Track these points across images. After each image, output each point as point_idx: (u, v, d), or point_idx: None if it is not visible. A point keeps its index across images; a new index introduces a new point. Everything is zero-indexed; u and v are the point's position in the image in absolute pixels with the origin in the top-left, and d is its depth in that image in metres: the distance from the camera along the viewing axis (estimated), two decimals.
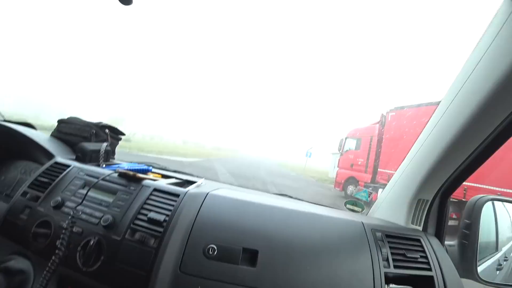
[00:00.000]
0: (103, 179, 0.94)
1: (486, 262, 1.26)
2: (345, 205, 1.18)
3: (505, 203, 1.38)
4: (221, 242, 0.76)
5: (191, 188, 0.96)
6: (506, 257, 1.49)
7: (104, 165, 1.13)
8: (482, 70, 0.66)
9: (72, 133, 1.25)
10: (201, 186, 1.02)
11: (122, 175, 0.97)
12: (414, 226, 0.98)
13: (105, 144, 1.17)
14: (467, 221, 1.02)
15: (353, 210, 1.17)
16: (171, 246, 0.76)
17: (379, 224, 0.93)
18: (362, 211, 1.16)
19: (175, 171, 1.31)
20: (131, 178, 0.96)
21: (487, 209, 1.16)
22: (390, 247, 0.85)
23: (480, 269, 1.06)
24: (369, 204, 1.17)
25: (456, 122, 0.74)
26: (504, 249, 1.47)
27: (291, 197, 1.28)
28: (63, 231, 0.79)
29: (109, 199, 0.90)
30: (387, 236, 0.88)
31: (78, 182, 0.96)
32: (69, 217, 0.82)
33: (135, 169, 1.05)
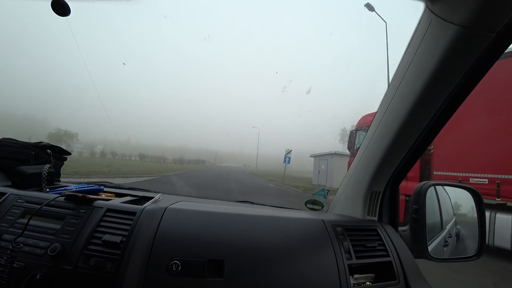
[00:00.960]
0: (48, 205, 0.84)
1: (435, 241, 1.41)
2: (305, 205, 1.23)
3: (445, 186, 1.57)
4: (184, 256, 0.73)
5: (147, 205, 0.90)
6: (450, 234, 1.68)
7: (47, 189, 1.00)
8: (413, 72, 0.75)
9: (5, 156, 1.09)
10: (159, 201, 0.97)
11: (69, 198, 0.87)
12: (370, 217, 1.06)
13: (47, 165, 1.04)
14: (415, 206, 1.13)
15: (313, 209, 1.22)
16: (131, 268, 0.71)
17: (338, 220, 0.99)
18: (322, 208, 1.22)
19: (130, 188, 1.23)
20: (80, 200, 0.87)
21: (430, 193, 1.30)
22: (351, 240, 0.90)
23: (430, 248, 1.18)
24: (328, 201, 1.24)
25: (395, 120, 0.83)
26: (448, 227, 1.67)
27: (253, 203, 1.29)
28: (1, 268, 0.69)
29: (56, 225, 0.81)
30: (347, 229, 0.93)
31: (16, 211, 0.84)
32: (7, 251, 0.71)
33: (84, 190, 0.95)
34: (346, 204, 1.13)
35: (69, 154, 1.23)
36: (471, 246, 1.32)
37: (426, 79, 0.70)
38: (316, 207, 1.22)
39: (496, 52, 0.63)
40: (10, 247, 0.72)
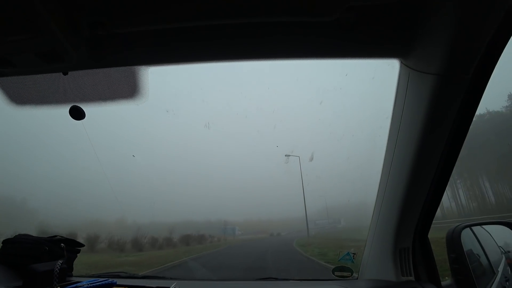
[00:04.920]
0: None
1: None
2: (333, 273, 1.12)
3: (483, 225, 1.42)
4: None
5: None
6: (506, 277, 1.46)
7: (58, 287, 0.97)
8: (407, 123, 0.76)
9: (19, 253, 1.09)
10: None
11: None
12: (406, 278, 0.94)
13: (59, 262, 1.03)
14: (452, 255, 1.01)
15: (342, 277, 1.11)
16: None
17: (371, 287, 0.88)
18: (351, 275, 1.11)
19: (144, 277, 1.18)
20: None
21: (467, 236, 1.17)
22: None
23: None
24: (357, 265, 1.13)
25: (402, 173, 0.80)
26: (500, 269, 1.45)
27: (276, 278, 1.19)
28: None
29: None
30: None
31: None
32: None
33: (95, 286, 0.91)
34: (376, 266, 1.02)
35: (83, 246, 1.23)
36: None
37: (420, 129, 0.71)
38: (345, 274, 1.10)
39: (477, 92, 0.65)
40: None
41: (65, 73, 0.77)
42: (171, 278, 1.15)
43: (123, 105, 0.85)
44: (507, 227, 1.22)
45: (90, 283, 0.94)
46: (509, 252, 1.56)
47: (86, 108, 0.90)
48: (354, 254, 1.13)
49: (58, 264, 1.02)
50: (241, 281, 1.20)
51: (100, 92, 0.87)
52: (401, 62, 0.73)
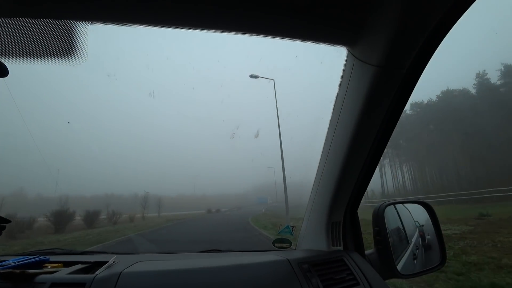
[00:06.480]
0: None
1: (403, 257, 1.45)
2: (273, 244, 1.22)
3: (404, 204, 1.67)
4: None
5: (100, 272, 0.82)
6: (417, 246, 1.75)
7: None
8: (347, 110, 0.83)
9: None
10: (113, 266, 0.89)
11: (5, 276, 0.76)
12: (335, 248, 1.07)
13: None
14: (376, 228, 1.17)
15: (282, 248, 1.21)
16: None
17: (304, 256, 0.99)
18: (290, 246, 1.22)
19: (83, 253, 1.12)
20: (19, 278, 0.76)
21: (390, 213, 1.37)
22: (319, 275, 0.90)
23: (400, 266, 1.21)
24: (296, 237, 1.24)
25: (340, 153, 0.89)
26: (413, 240, 1.74)
27: (220, 250, 1.24)
28: None
29: None
30: (314, 265, 0.93)
31: None
32: None
33: (24, 264, 0.84)
34: (311, 238, 1.14)
35: (9, 221, 1.09)
36: (437, 253, 1.38)
37: (358, 115, 0.79)
38: (284, 245, 1.21)
39: (409, 87, 0.74)
40: None
41: None
42: (112, 253, 1.11)
43: (57, 64, 0.75)
44: (421, 205, 1.46)
45: (18, 261, 0.86)
46: (422, 226, 1.87)
47: (10, 64, 0.77)
48: (293, 227, 1.24)
49: None
50: (184, 253, 1.22)
51: (28, 47, 0.75)
52: (348, 51, 0.77)
